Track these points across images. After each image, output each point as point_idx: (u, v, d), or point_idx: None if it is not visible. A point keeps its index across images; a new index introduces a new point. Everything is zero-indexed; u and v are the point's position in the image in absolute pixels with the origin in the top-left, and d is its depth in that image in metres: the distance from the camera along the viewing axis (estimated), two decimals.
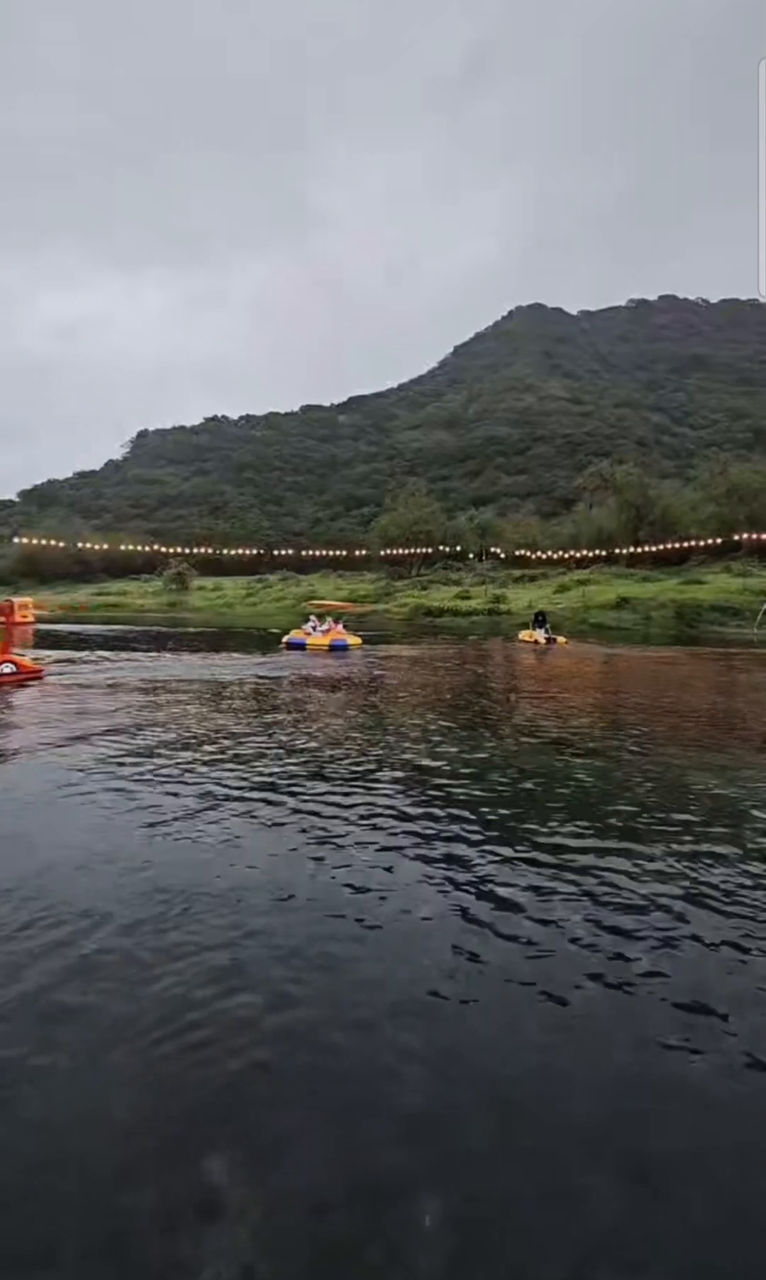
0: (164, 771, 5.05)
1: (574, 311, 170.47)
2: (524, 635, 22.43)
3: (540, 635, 21.10)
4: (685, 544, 43.78)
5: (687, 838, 3.86)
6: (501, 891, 3.13)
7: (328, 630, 17.70)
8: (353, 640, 17.49)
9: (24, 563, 68.07)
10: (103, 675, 11.01)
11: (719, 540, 42.12)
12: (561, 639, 21.39)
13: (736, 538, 41.27)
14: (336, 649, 16.56)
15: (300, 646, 16.92)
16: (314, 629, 17.86)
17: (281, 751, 5.81)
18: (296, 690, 9.96)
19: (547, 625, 21.98)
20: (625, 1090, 1.90)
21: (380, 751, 5.90)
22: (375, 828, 3.94)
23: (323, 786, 4.77)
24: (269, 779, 4.91)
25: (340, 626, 18.32)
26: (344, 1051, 2.02)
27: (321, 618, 18.86)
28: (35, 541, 63.74)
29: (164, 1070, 1.90)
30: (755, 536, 40.52)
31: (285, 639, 17.88)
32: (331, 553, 61.61)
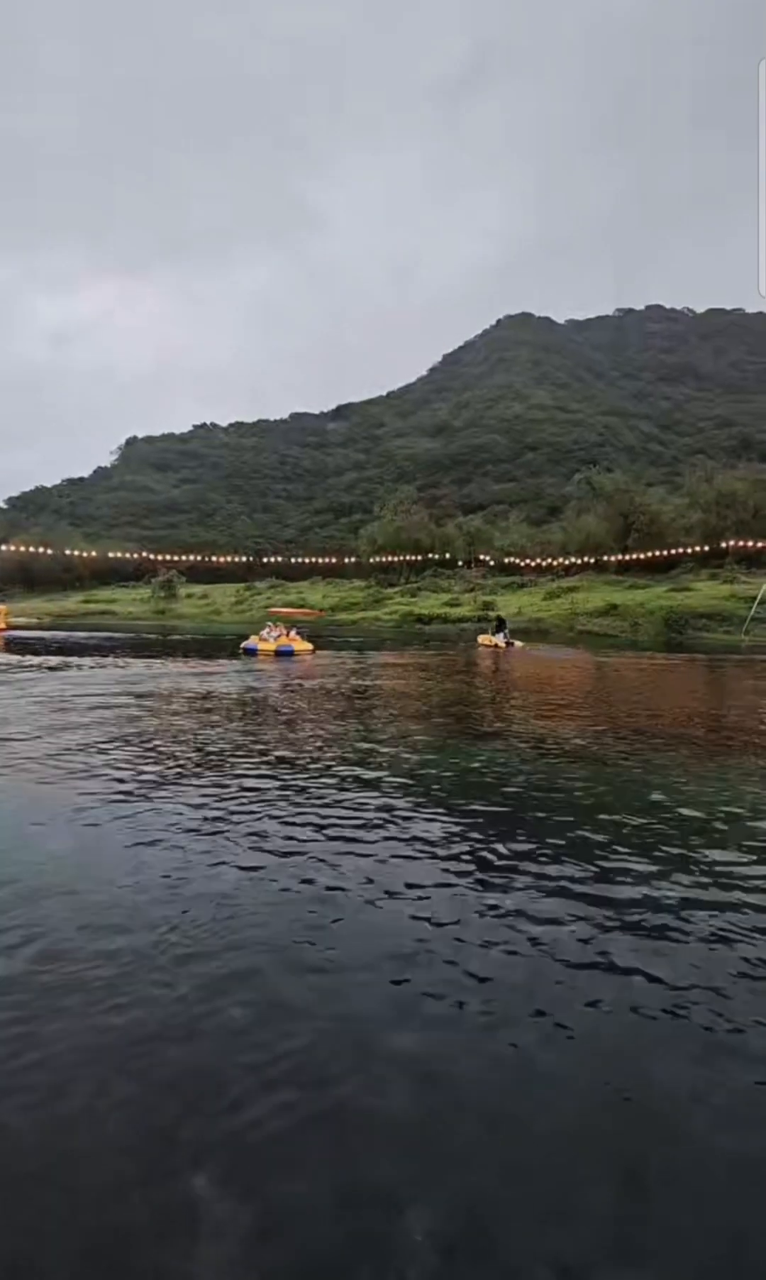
0: (135, 780, 4.91)
1: (561, 321, 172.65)
2: (483, 639, 23.85)
3: (499, 640, 22.35)
4: (672, 551, 44.17)
5: (679, 842, 3.77)
6: (493, 898, 3.06)
7: (278, 637, 18.98)
8: (301, 646, 18.60)
9: (11, 570, 67.60)
10: (79, 683, 10.84)
11: (706, 548, 42.55)
12: (518, 643, 22.83)
13: (723, 545, 41.69)
14: (282, 654, 17.74)
15: (254, 651, 18.20)
16: (267, 635, 19.16)
17: (251, 757, 5.69)
18: (269, 697, 9.84)
19: (506, 630, 23.31)
20: (620, 1099, 1.84)
21: (352, 756, 5.78)
22: (360, 834, 3.82)
23: (298, 792, 4.64)
24: (243, 783, 4.79)
25: (293, 633, 19.51)
26: (335, 1058, 1.97)
27: (276, 624, 20.13)
28: (23, 549, 63.31)
29: (153, 1080, 1.86)
30: (742, 544, 40.97)
31: (243, 644, 19.08)
32: (321, 560, 61.74)
